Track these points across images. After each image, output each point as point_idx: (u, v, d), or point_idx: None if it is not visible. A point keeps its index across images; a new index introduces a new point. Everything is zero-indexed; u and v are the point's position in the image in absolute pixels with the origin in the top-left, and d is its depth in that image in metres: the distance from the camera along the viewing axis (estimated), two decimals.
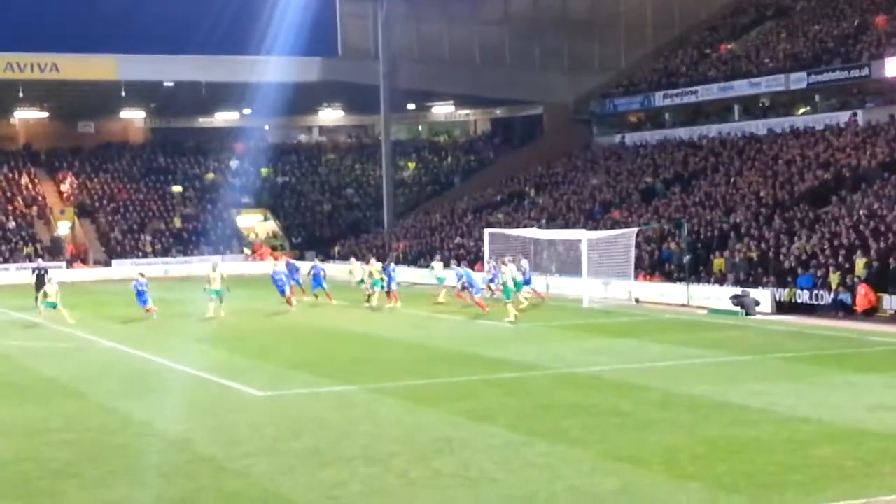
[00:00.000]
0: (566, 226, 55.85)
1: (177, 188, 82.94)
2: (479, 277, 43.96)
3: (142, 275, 42.04)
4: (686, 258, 45.88)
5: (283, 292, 44.10)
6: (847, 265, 40.77)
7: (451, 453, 18.14)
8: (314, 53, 79.52)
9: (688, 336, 34.30)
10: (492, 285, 43.59)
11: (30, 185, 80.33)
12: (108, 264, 72.16)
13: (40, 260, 62.92)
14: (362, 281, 45.62)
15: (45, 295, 40.22)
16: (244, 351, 32.02)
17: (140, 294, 40.63)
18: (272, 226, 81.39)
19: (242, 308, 43.42)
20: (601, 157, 71.74)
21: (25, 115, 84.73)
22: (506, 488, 15.90)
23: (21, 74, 73.06)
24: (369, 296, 44.18)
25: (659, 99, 70.61)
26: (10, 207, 76.87)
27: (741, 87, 65.04)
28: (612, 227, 51.15)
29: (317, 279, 46.41)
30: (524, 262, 44.82)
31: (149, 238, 75.37)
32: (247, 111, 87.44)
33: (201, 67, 77.13)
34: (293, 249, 75.88)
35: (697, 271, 45.99)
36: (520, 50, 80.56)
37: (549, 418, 20.99)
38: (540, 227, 55.58)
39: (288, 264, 47.82)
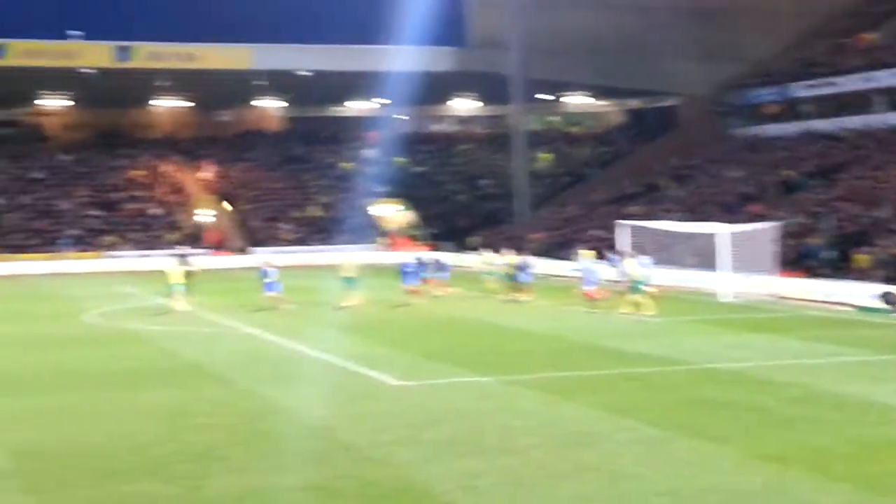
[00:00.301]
0: (703, 219, 55.02)
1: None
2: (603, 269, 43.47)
3: (269, 263, 42.30)
4: (828, 253, 44.87)
5: (408, 282, 43.98)
6: None
7: (592, 446, 17.98)
8: (446, 43, 79.81)
9: (831, 333, 33.51)
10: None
11: (171, 174, 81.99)
12: (246, 252, 73.39)
13: (184, 247, 64.24)
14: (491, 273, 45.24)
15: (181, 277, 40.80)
16: (381, 340, 32.21)
17: (268, 283, 40.83)
18: (409, 215, 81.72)
19: (378, 297, 43.68)
20: (738, 149, 70.59)
21: (166, 104, 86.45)
22: (648, 484, 15.70)
23: (161, 63, 74.69)
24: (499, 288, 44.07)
25: (798, 90, 69.34)
26: (151, 195, 78.55)
27: (883, 78, 63.43)
28: (752, 221, 50.23)
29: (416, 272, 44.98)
30: (645, 259, 43.54)
31: (287, 226, 76.34)
32: (381, 100, 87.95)
33: (335, 57, 77.97)
34: (431, 240, 76.17)
35: (840, 267, 44.96)
36: (656, 40, 79.54)
37: (691, 414, 20.68)
38: (676, 220, 54.87)
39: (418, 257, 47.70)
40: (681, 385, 24.10)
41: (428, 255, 49.31)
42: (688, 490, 15.38)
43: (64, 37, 75.05)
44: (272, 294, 40.83)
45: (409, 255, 47.08)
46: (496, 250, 50.17)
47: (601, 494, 15.27)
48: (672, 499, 15.00)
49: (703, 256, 46.31)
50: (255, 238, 75.10)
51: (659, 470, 16.48)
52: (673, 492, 15.28)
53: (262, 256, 55.60)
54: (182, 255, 49.09)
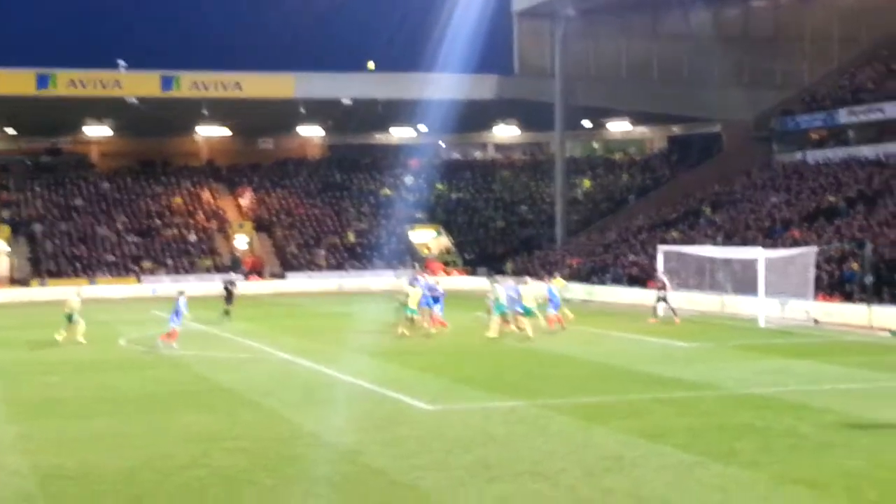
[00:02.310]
0: (743, 244, 54.73)
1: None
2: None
3: (181, 292, 38.85)
4: (868, 279, 44.50)
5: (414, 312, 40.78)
6: None
7: (622, 471, 17.85)
8: (490, 70, 79.99)
9: (869, 358, 33.19)
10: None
11: (211, 200, 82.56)
12: (283, 277, 73.64)
13: (232, 273, 64.51)
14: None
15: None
16: (413, 364, 32.13)
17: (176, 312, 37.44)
18: (445, 241, 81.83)
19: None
20: (781, 174, 70.19)
21: (208, 132, 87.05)
22: None
23: (205, 93, 75.26)
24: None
25: (843, 116, 68.80)
26: (191, 221, 79.11)
27: None
28: (792, 246, 49.94)
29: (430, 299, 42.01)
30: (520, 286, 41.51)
31: (323, 252, 76.64)
32: (422, 127, 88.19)
33: (377, 84, 78.27)
34: (465, 266, 76.18)
35: (880, 292, 44.55)
36: (699, 66, 79.40)
37: (723, 439, 20.49)
38: (716, 244, 54.65)
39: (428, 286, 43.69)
40: (714, 410, 23.89)
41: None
42: None
43: (110, 66, 75.77)
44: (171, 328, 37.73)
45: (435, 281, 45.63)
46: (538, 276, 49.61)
47: None
48: None
49: (743, 282, 46.07)
50: (292, 264, 75.39)
51: (689, 495, 16.36)
52: None
53: (307, 281, 54.02)
54: (230, 281, 49.15)
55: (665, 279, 46.56)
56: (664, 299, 45.17)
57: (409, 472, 17.94)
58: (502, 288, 40.22)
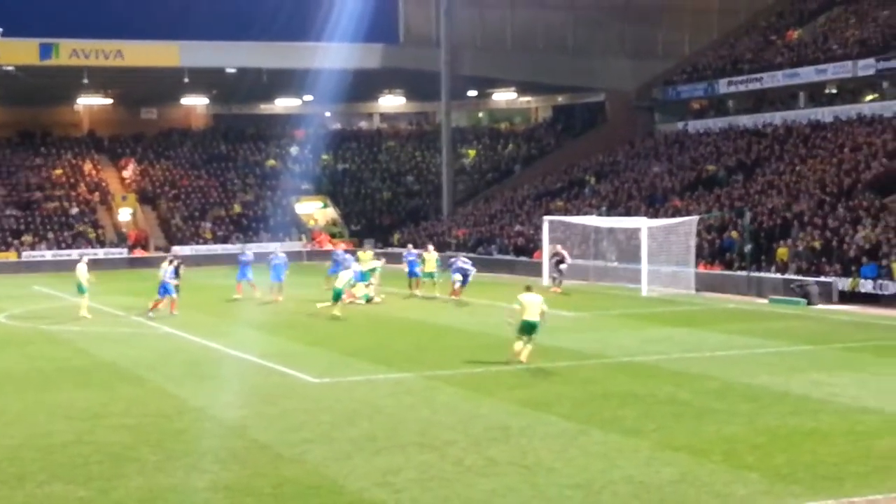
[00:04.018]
0: (627, 214, 55.49)
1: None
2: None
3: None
4: (748, 247, 45.43)
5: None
6: None
7: (507, 441, 18.08)
8: (375, 40, 79.52)
9: (748, 325, 33.97)
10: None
11: (93, 172, 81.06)
12: (168, 251, 72.69)
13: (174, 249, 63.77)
14: (430, 274, 44.40)
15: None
16: (301, 338, 32.09)
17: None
18: (331, 213, 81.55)
19: (300, 295, 43.47)
20: (663, 144, 71.20)
21: (89, 102, 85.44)
22: (562, 477, 15.82)
23: (86, 61, 73.66)
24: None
25: (723, 86, 69.93)
26: (73, 194, 77.64)
27: (807, 74, 64.19)
28: (673, 216, 50.75)
29: (277, 269, 42.98)
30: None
31: (209, 225, 75.85)
32: (308, 98, 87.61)
33: (263, 54, 77.37)
34: (352, 237, 76.02)
35: (759, 260, 45.53)
36: (583, 36, 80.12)
37: (607, 407, 20.86)
38: (600, 214, 55.28)
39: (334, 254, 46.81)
40: (598, 379, 24.28)
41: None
42: (601, 482, 15.52)
43: None
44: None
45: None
46: (419, 246, 49.80)
47: (516, 489, 15.34)
48: (585, 491, 15.12)
49: (626, 251, 46.72)
50: (177, 237, 74.46)
51: (573, 463, 16.62)
52: (586, 484, 15.41)
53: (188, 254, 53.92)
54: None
55: (564, 251, 46.87)
56: (560, 270, 45.63)
57: (296, 446, 17.96)
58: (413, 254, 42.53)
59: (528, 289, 26.74)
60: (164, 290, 37.78)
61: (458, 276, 41.79)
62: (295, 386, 23.93)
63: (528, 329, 25.94)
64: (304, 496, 15.18)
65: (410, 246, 48.74)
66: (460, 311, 39.01)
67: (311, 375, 24.83)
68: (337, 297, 36.80)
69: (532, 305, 25.97)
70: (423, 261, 44.65)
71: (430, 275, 44.21)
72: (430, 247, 47.14)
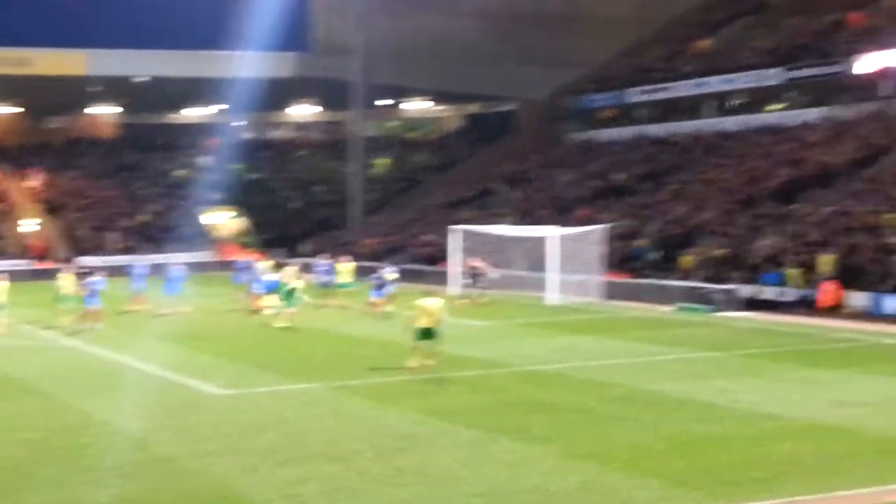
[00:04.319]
0: (537, 222, 55.79)
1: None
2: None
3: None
4: (654, 255, 45.94)
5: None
6: (813, 262, 40.96)
7: (414, 450, 18.13)
8: (288, 48, 79.25)
9: (654, 333, 34.35)
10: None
11: None
12: (72, 262, 71.60)
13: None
14: (345, 285, 44.11)
15: None
16: (207, 349, 31.76)
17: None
18: (242, 223, 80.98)
19: (207, 306, 43.15)
20: (574, 153, 71.79)
21: None
22: (467, 486, 15.89)
23: None
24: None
25: (632, 95, 70.73)
26: None
27: (715, 84, 65.16)
28: (582, 224, 51.14)
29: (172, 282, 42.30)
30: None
31: (115, 235, 74.94)
32: (219, 107, 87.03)
33: (173, 63, 76.76)
34: (263, 247, 75.55)
35: (665, 268, 46.06)
36: (495, 45, 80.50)
37: (513, 416, 20.99)
38: (510, 223, 55.52)
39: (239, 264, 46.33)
40: (504, 387, 24.41)
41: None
42: (506, 490, 15.64)
43: None
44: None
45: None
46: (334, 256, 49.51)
47: (421, 498, 15.41)
48: (490, 500, 15.23)
49: (534, 260, 46.95)
50: (82, 247, 73.43)
51: (478, 472, 16.70)
52: (490, 493, 15.51)
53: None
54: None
55: (482, 264, 46.48)
56: (475, 282, 45.61)
57: (200, 458, 17.84)
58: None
59: (429, 294, 26.86)
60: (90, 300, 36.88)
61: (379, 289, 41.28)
62: (200, 398, 23.75)
63: (426, 335, 26.00)
64: None
65: (322, 256, 48.50)
66: (371, 322, 38.89)
67: (216, 387, 24.67)
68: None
69: (431, 311, 26.05)
70: (338, 271, 44.53)
71: (345, 285, 44.07)
72: (345, 257, 47.02)
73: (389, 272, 42.33)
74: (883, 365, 27.01)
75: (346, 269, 44.68)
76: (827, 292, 38.71)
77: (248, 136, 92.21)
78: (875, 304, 37.85)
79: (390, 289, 41.35)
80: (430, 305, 26.22)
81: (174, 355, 30.53)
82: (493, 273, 45.77)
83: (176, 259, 52.28)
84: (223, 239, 77.22)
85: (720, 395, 22.70)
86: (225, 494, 15.78)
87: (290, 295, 37.41)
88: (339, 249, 59.67)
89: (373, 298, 41.06)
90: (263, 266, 44.87)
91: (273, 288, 40.23)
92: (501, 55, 79.87)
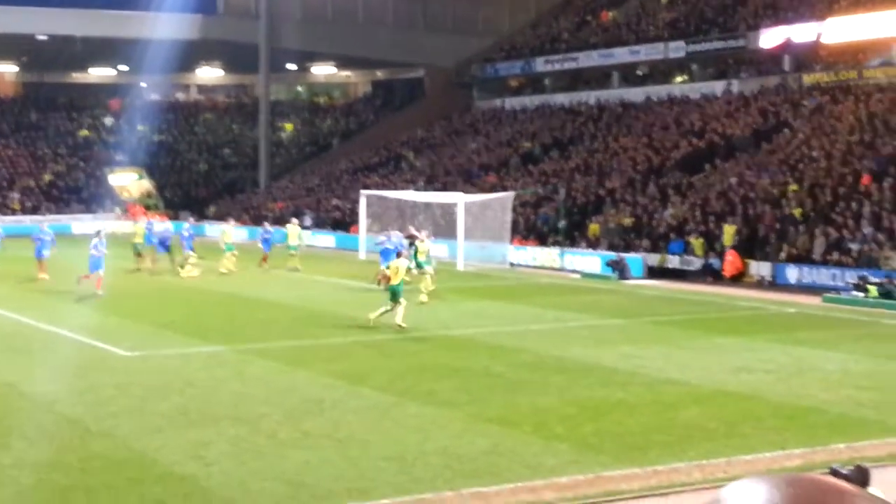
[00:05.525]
0: (444, 189, 55.90)
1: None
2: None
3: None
4: (561, 223, 46.28)
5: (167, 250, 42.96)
6: (717, 231, 41.58)
7: (322, 414, 18.08)
8: (194, 10, 78.24)
9: (561, 299, 34.63)
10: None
11: None
12: None
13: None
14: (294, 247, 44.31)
15: None
16: (115, 311, 31.44)
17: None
18: (146, 185, 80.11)
19: (116, 268, 42.54)
20: (481, 121, 71.94)
21: None
22: (375, 449, 15.90)
23: None
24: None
25: (540, 64, 70.94)
26: None
27: (621, 55, 65.61)
28: (490, 191, 51.34)
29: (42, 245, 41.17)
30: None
31: (17, 195, 73.64)
32: (123, 67, 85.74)
33: (76, 21, 75.36)
34: (168, 209, 74.82)
35: (572, 236, 46.44)
36: (403, 11, 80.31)
37: (422, 380, 21.03)
38: (417, 189, 55.54)
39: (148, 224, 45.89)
40: (414, 352, 24.48)
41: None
42: (414, 454, 15.64)
43: None
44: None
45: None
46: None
47: (329, 461, 15.36)
48: (398, 463, 15.22)
49: (443, 226, 47.04)
50: None
51: (387, 435, 16.71)
52: (399, 456, 15.51)
53: None
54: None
55: (420, 233, 45.63)
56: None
57: (106, 420, 17.65)
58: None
59: (399, 255, 28.61)
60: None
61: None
62: (106, 359, 23.47)
63: (392, 294, 27.35)
64: (113, 470, 14.92)
65: (267, 223, 47.80)
66: (281, 284, 38.71)
67: (122, 349, 24.39)
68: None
69: (399, 270, 27.58)
70: (288, 234, 44.61)
71: (294, 248, 44.19)
72: (295, 220, 47.45)
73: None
74: (785, 333, 27.50)
75: (294, 232, 44.79)
76: (730, 262, 39.32)
77: (154, 98, 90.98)
78: (777, 273, 38.53)
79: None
80: (397, 265, 27.62)
81: (80, 316, 30.16)
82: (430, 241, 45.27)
83: (43, 223, 50.67)
84: (128, 200, 76.29)
85: (627, 361, 22.96)
86: (130, 456, 15.62)
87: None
88: (245, 213, 59.33)
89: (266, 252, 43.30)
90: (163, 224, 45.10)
91: (166, 245, 41.69)
92: (410, 22, 79.72)
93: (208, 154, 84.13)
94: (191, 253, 41.63)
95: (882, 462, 14.62)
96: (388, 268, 28.21)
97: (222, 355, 23.81)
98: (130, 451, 15.88)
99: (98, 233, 37.37)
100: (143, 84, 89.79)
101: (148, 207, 74.52)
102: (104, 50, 78.46)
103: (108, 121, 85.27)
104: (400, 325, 26.91)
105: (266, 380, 21.08)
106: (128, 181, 79.95)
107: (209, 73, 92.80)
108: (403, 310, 27.20)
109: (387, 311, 27.21)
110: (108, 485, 14.40)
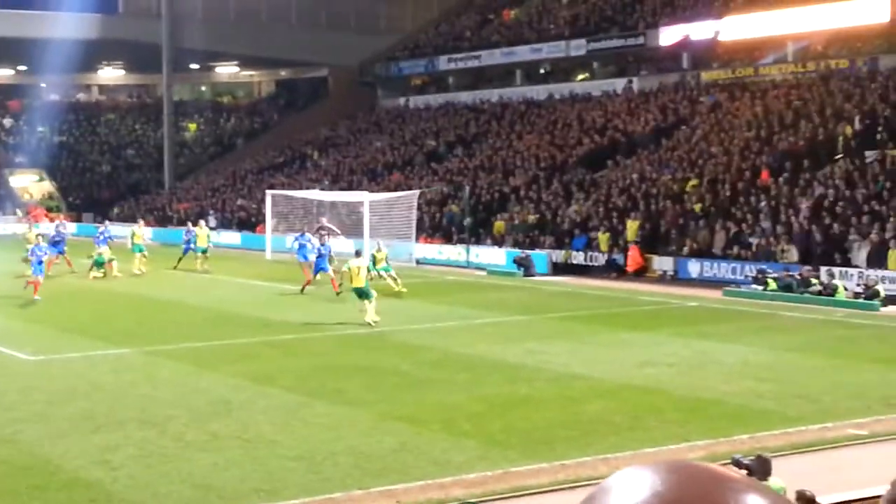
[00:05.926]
0: (349, 188, 55.87)
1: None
2: None
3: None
4: (467, 220, 46.50)
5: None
6: (620, 227, 42.07)
7: (229, 415, 18.06)
8: (94, 10, 77.22)
9: (467, 296, 34.82)
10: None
11: None
12: None
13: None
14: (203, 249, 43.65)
15: None
16: (18, 315, 31.01)
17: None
18: (48, 186, 78.94)
19: (15, 270, 41.89)
20: (385, 119, 72.00)
21: None
22: (284, 449, 15.93)
23: None
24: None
25: (443, 63, 71.14)
26: None
27: (523, 53, 66.02)
28: (395, 190, 51.40)
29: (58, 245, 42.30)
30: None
31: None
32: (23, 67, 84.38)
33: None
34: (70, 211, 73.79)
35: (478, 233, 46.69)
36: (306, 10, 80.00)
37: (330, 379, 21.07)
38: (322, 188, 55.43)
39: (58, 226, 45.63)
40: (322, 352, 24.51)
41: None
42: (322, 453, 15.71)
43: None
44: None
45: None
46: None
47: (237, 462, 15.37)
48: (307, 463, 15.28)
49: (348, 225, 46.99)
50: None
51: (295, 435, 16.75)
52: (308, 456, 15.57)
53: None
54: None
55: (330, 226, 45.34)
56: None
57: (9, 426, 17.44)
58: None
59: (358, 254, 29.40)
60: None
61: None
62: (8, 364, 23.17)
63: (359, 294, 27.85)
64: (16, 476, 14.78)
65: (190, 224, 47.20)
66: (189, 285, 38.44)
67: (25, 353, 24.09)
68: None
69: (359, 270, 27.99)
70: (197, 236, 43.95)
71: (203, 249, 43.52)
72: (202, 222, 46.98)
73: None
74: (687, 327, 27.94)
75: (203, 233, 44.20)
76: (633, 257, 39.82)
77: (54, 98, 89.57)
78: (679, 268, 39.10)
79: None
80: (356, 265, 28.05)
81: None
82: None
83: None
84: (29, 203, 75.16)
85: (532, 358, 23.19)
86: (34, 462, 15.49)
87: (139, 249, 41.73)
88: (150, 214, 58.80)
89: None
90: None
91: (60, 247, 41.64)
92: (313, 21, 79.45)
93: (111, 155, 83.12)
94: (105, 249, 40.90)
95: (782, 452, 15.00)
96: (349, 269, 28.17)
97: (130, 358, 23.63)
98: (34, 457, 15.74)
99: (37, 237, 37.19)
100: (43, 84, 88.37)
101: (50, 209, 73.50)
102: (3, 50, 77.06)
103: (8, 122, 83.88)
104: (371, 323, 27.36)
105: (174, 382, 20.97)
106: (28, 183, 78.76)
107: (111, 74, 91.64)
108: (374, 307, 27.75)
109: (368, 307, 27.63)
110: (10, 492, 14.25)
